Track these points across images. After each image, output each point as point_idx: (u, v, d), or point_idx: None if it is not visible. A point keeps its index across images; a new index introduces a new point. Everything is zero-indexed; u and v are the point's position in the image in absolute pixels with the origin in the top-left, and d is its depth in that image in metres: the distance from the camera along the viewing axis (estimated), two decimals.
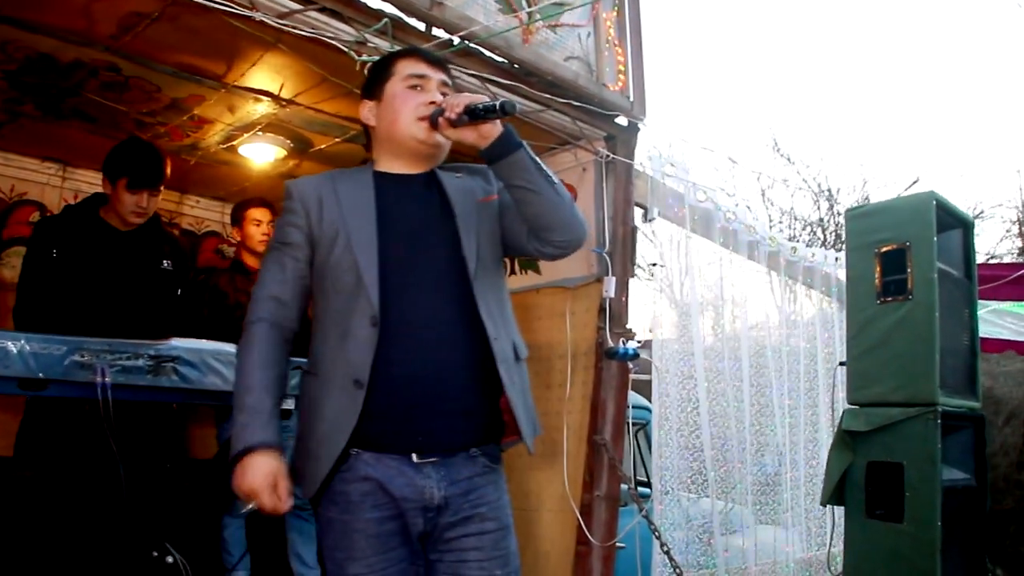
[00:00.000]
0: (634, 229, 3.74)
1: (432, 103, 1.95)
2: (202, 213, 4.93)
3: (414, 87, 1.98)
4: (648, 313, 4.21)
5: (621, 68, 3.65)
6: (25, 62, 3.03)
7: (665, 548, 3.37)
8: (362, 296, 1.86)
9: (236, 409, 1.86)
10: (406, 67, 2.01)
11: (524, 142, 1.88)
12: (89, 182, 4.20)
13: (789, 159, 17.88)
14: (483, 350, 1.90)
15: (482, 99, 1.84)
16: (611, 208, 3.69)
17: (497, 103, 1.80)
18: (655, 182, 3.87)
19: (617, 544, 3.73)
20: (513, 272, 4.08)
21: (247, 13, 2.43)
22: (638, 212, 3.84)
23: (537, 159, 1.88)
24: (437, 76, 2.01)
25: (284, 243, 1.98)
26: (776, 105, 30.35)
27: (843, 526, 3.05)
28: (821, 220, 17.23)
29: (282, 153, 3.89)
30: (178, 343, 2.50)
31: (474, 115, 1.82)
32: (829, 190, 17.22)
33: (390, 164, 2.04)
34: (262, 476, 1.78)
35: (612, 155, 3.66)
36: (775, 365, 4.56)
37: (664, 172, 3.90)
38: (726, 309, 4.47)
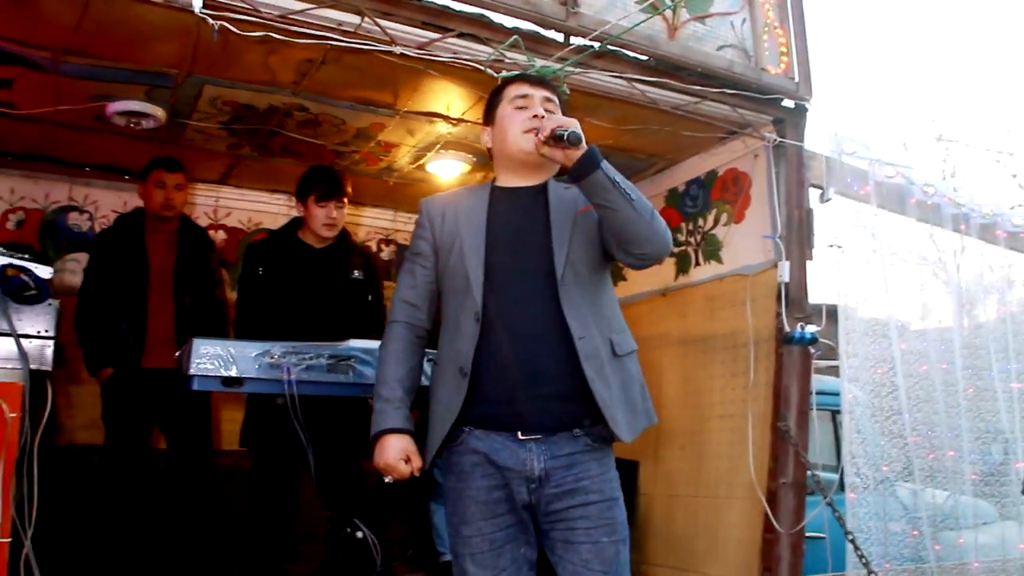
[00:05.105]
0: (809, 212, 3.67)
1: (536, 116, 2.14)
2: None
3: (520, 107, 2.19)
4: (918, 300, 4.09)
5: (783, 50, 3.60)
6: (232, 112, 3.57)
7: (850, 536, 3.27)
8: (469, 296, 2.09)
9: (375, 398, 2.18)
10: (512, 90, 2.23)
11: (603, 163, 1.99)
12: None
13: None
14: (574, 346, 2.04)
15: (570, 123, 1.98)
16: (784, 192, 3.65)
17: (565, 132, 1.95)
18: (831, 161, 3.76)
19: (816, 535, 3.67)
20: (697, 263, 4.13)
21: (387, 48, 2.73)
22: (815, 193, 3.76)
23: (616, 178, 1.99)
24: (539, 93, 2.21)
25: (415, 253, 2.27)
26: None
27: None
28: None
29: (466, 167, 4.19)
30: (354, 343, 2.83)
31: (556, 139, 1.98)
32: None
33: (506, 179, 2.26)
34: (394, 453, 2.08)
35: (780, 139, 3.62)
36: (996, 346, 4.21)
37: (842, 150, 3.77)
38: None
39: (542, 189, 2.22)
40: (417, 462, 2.10)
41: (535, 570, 2.13)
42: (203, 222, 4.63)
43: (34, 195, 4.39)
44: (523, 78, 2.29)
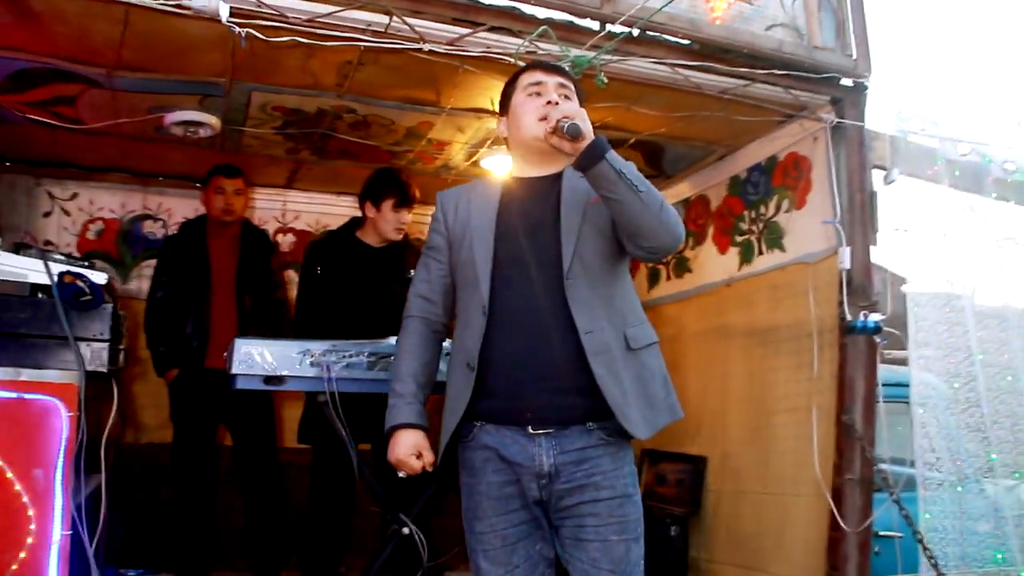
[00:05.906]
0: (872, 195, 3.49)
1: (549, 103, 2.10)
2: None
3: (532, 94, 2.16)
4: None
5: (839, 27, 3.44)
6: (283, 117, 3.65)
7: (918, 536, 3.10)
8: (477, 289, 2.08)
9: (389, 392, 2.19)
10: (526, 79, 2.20)
11: (609, 153, 1.93)
12: None
13: None
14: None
15: (576, 114, 1.96)
16: (845, 175, 3.50)
17: (565, 124, 1.92)
18: (897, 141, 3.57)
19: (891, 534, 3.50)
20: (760, 252, 4.01)
21: (416, 46, 2.74)
22: (880, 175, 3.58)
23: (622, 169, 1.93)
24: (553, 80, 2.17)
25: (430, 247, 2.27)
26: None
27: None
28: None
29: None
30: (394, 341, 2.85)
31: (561, 130, 1.95)
32: None
33: (522, 168, 2.23)
34: (405, 448, 2.10)
35: (839, 119, 3.46)
36: None
37: (907, 129, 3.58)
38: None
39: (557, 179, 2.17)
40: (429, 457, 2.12)
41: (553, 567, 2.10)
42: (271, 226, 4.78)
43: (111, 205, 4.62)
44: (537, 66, 2.25)
